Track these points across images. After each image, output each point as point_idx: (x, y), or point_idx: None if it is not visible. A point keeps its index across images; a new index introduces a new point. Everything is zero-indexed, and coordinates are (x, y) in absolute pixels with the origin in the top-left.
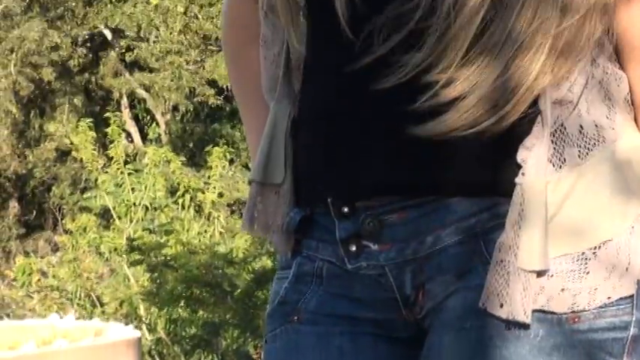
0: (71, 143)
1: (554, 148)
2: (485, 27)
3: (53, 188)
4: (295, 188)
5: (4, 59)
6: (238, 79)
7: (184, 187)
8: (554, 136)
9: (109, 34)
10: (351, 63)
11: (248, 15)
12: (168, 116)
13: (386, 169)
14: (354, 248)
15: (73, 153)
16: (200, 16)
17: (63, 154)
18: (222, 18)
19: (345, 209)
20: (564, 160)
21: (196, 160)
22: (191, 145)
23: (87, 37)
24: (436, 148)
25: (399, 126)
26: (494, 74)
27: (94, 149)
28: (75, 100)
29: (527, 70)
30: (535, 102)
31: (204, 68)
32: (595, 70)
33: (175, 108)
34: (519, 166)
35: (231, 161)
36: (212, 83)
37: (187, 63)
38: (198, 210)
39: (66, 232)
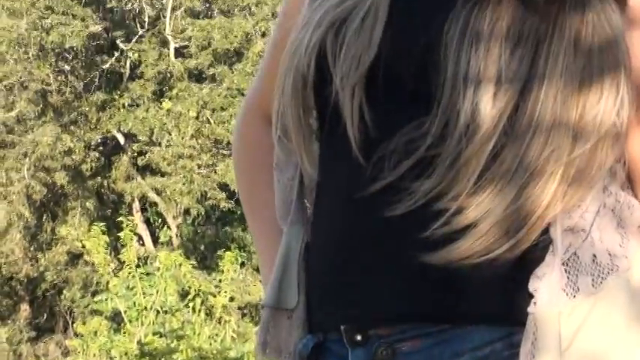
0: (83, 246)
1: (568, 277)
2: (496, 154)
3: (64, 291)
4: (308, 313)
5: (17, 163)
6: (251, 202)
7: (195, 290)
8: (567, 264)
9: (121, 139)
10: (361, 189)
11: (261, 138)
12: (180, 220)
13: (399, 297)
14: None
15: (85, 256)
16: (212, 121)
17: (74, 257)
18: (234, 140)
19: (358, 337)
20: (578, 289)
21: (207, 263)
22: (202, 248)
23: (100, 141)
24: (449, 275)
25: (410, 253)
26: (506, 202)
27: (106, 252)
28: (87, 204)
29: (539, 198)
30: (547, 229)
31: (215, 172)
32: (607, 198)
33: (187, 211)
34: (532, 295)
35: (243, 264)
36: (223, 187)
37: (199, 167)
38: (209, 313)
39: (77, 335)
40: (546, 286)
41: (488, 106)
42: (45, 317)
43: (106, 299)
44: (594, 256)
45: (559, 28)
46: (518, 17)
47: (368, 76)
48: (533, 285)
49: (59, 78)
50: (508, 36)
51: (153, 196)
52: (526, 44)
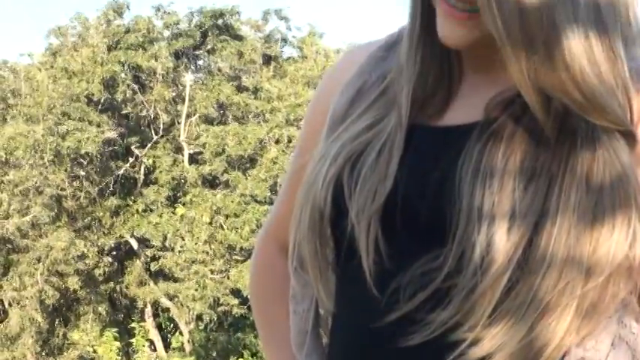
0: (95, 352)
1: None
2: (511, 287)
3: None
4: None
5: (31, 268)
6: (266, 331)
7: None
8: None
9: (134, 244)
10: (377, 319)
11: (277, 268)
12: (192, 325)
13: None
14: None
15: None
16: (225, 227)
17: None
18: (251, 267)
19: None
20: None
21: None
22: (214, 354)
23: (113, 246)
24: None
25: None
26: (521, 334)
27: (118, 358)
28: (99, 309)
29: (554, 330)
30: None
31: (228, 278)
32: (622, 330)
33: (199, 317)
34: None
35: None
36: (236, 292)
37: (212, 272)
38: None
39: None
40: None
41: (503, 239)
42: None
43: None
44: None
45: (571, 165)
46: (531, 153)
47: (383, 209)
48: None
49: (74, 183)
50: (521, 171)
51: (165, 301)
52: (539, 180)
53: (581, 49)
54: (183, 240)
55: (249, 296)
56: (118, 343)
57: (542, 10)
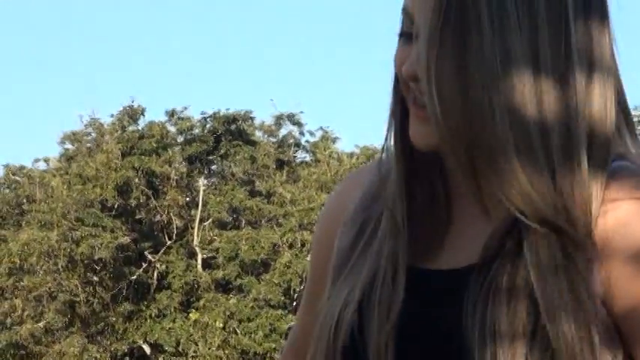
0: None
1: None
2: None
3: None
4: None
5: None
6: None
7: None
8: None
9: (147, 349)
10: None
11: None
12: None
13: None
14: None
15: None
16: (239, 332)
17: None
18: None
19: None
20: None
21: None
22: None
23: (126, 351)
24: None
25: None
26: None
27: None
28: None
29: None
30: None
31: None
32: None
33: None
34: None
35: None
36: None
37: None
38: None
39: None
40: None
41: None
42: None
43: None
44: None
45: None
46: (533, 310)
47: (394, 343)
48: None
49: (87, 289)
50: (527, 335)
51: None
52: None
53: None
54: (197, 345)
55: None
56: None
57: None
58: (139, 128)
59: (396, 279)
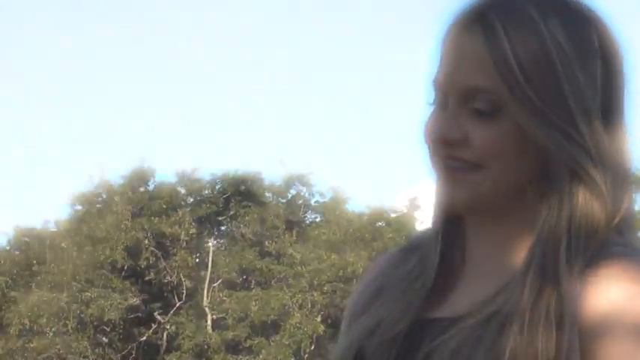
0: None
1: None
2: None
3: None
4: None
5: None
6: None
7: None
8: None
9: None
10: None
11: None
12: None
13: None
14: None
15: None
16: None
17: None
18: None
19: None
20: None
21: None
22: None
23: None
24: None
25: None
26: None
27: None
28: None
29: None
30: None
31: None
32: None
33: None
34: None
35: None
36: None
37: None
38: None
39: None
40: None
41: None
42: None
43: None
44: None
45: None
46: None
47: None
48: None
49: (97, 350)
50: None
51: None
52: None
53: None
54: None
55: None
56: None
57: None
58: (149, 189)
59: (398, 325)
